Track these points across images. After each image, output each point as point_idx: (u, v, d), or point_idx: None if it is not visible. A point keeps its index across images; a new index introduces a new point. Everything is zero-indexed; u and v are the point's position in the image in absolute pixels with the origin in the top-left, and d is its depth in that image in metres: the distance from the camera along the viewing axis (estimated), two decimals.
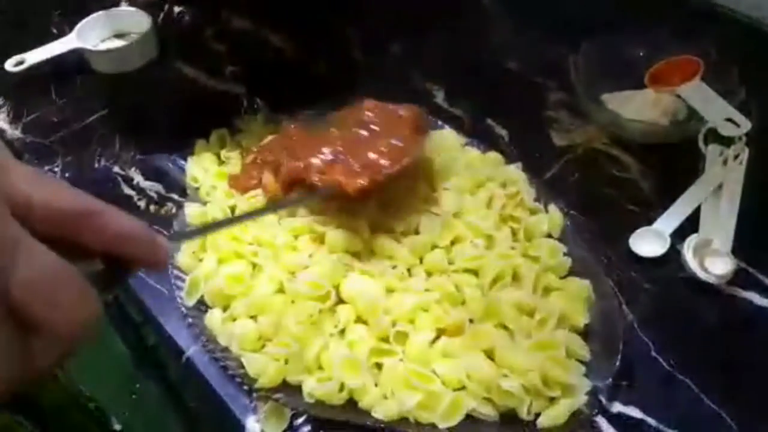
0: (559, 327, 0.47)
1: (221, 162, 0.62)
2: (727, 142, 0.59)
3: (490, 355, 0.46)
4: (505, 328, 0.48)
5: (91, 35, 0.76)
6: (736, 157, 0.58)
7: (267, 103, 0.70)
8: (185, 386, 0.81)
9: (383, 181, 0.50)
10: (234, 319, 0.50)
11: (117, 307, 0.70)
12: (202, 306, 0.52)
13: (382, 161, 0.51)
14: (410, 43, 0.76)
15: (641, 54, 0.67)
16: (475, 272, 0.50)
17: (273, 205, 0.54)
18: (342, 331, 0.48)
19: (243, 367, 0.48)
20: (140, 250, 0.26)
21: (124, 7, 0.81)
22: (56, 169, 0.65)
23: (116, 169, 0.65)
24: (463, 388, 0.45)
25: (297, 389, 0.47)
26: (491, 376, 0.44)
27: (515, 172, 0.58)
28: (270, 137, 0.61)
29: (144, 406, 1.20)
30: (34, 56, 0.74)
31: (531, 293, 0.49)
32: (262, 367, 0.47)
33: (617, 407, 0.46)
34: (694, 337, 0.50)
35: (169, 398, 0.88)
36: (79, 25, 0.76)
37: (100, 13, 0.78)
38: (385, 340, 0.48)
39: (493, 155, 0.60)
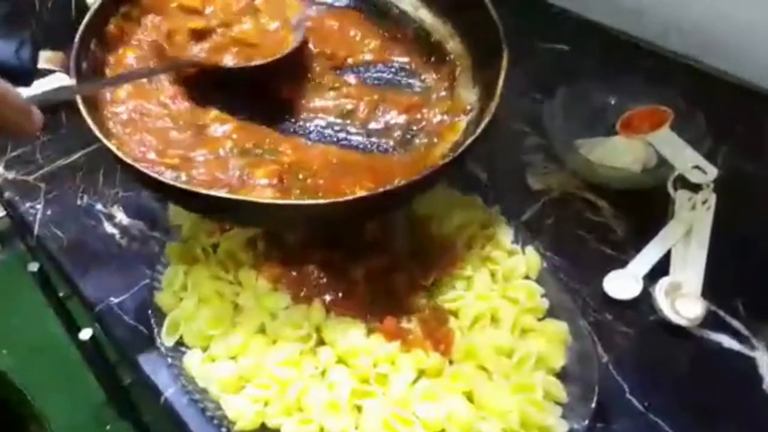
0: (537, 368, 0.48)
1: None
2: (695, 188, 0.61)
3: (469, 396, 0.47)
4: (485, 369, 0.48)
5: None
6: (704, 202, 0.60)
7: None
8: (162, 428, 0.80)
9: None
10: (213, 360, 0.50)
11: (93, 345, 0.69)
12: (181, 346, 0.52)
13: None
14: None
15: (612, 102, 0.70)
16: (455, 313, 0.51)
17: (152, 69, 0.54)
18: (323, 373, 0.49)
19: (222, 409, 0.48)
20: (10, 116, 0.29)
21: None
22: (38, 206, 0.65)
23: (99, 206, 0.65)
24: (443, 430, 0.45)
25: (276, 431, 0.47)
26: (470, 419, 0.45)
27: (494, 214, 0.59)
28: None
29: None
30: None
31: (509, 335, 0.50)
32: (242, 410, 0.47)
33: None
34: (667, 378, 0.52)
35: None
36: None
37: None
38: (366, 381, 0.48)
39: (473, 198, 0.61)
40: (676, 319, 0.53)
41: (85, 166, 0.70)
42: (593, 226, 0.63)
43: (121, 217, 0.64)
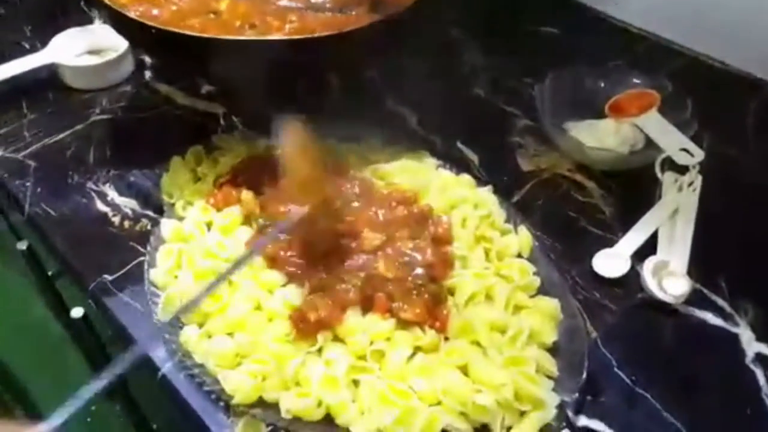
0: (530, 343, 0.49)
1: (197, 179, 0.62)
2: (681, 170, 0.63)
3: (464, 371, 0.48)
4: (479, 345, 0.49)
5: (65, 51, 0.76)
6: (690, 184, 0.62)
7: (244, 121, 0.71)
8: (152, 406, 0.80)
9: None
10: (210, 336, 0.50)
11: (85, 324, 0.69)
12: (177, 322, 0.52)
13: None
14: (385, 70, 0.79)
15: (602, 86, 0.71)
16: (451, 291, 0.52)
17: (249, 252, 0.53)
18: (319, 350, 0.49)
19: (219, 383, 0.48)
20: None
21: (100, 25, 0.81)
22: (27, 184, 0.64)
23: (90, 185, 0.64)
24: (439, 403, 0.46)
25: (274, 405, 0.47)
26: (466, 392, 0.46)
27: (486, 194, 0.60)
28: (247, 155, 0.63)
29: (102, 429, 1.16)
30: (5, 70, 0.73)
31: (503, 311, 0.51)
32: (239, 384, 0.47)
33: (583, 421, 0.48)
34: (654, 353, 0.53)
35: (131, 418, 0.86)
36: (53, 40, 0.76)
37: (76, 29, 0.78)
38: (362, 358, 0.49)
39: (466, 178, 0.62)
40: (662, 296, 0.55)
41: (74, 145, 0.69)
42: (582, 207, 0.64)
43: (112, 195, 0.63)
